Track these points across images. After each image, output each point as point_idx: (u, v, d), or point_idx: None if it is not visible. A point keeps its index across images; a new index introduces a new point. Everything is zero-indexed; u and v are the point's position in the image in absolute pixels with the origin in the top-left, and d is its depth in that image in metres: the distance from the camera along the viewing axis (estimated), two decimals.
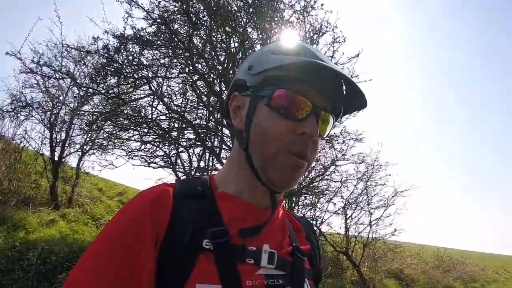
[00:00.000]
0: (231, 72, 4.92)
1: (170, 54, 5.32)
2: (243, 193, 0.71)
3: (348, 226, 7.92)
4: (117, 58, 5.08)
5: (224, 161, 5.42)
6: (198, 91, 5.23)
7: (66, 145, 7.96)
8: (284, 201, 0.84)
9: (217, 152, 5.15)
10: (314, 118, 0.67)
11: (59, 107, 8.05)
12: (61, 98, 8.09)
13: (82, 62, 7.18)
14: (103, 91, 5.43)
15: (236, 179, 0.72)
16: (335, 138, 6.06)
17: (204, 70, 5.15)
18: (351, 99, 0.72)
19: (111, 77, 5.36)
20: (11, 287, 3.60)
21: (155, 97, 5.31)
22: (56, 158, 7.76)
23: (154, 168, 5.95)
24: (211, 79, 5.12)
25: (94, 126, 6.32)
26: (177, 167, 5.70)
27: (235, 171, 0.73)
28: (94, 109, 6.83)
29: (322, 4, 5.25)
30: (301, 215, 0.92)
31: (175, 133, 5.59)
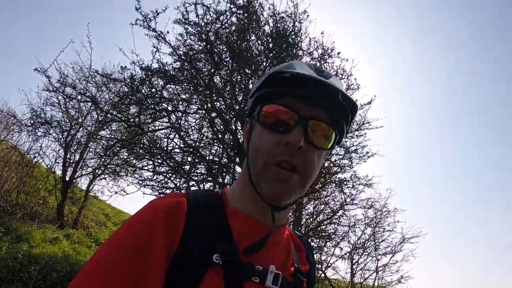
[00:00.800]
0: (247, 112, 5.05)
1: (191, 90, 5.51)
2: (249, 210, 0.72)
3: (354, 272, 7.75)
4: (141, 89, 5.29)
5: None
6: (214, 128, 5.35)
7: (79, 166, 8.11)
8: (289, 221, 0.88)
9: None
10: (301, 127, 0.67)
11: (77, 129, 8.29)
12: (79, 120, 8.34)
13: (105, 88, 7.47)
14: (123, 119, 5.60)
15: (243, 196, 0.74)
16: (345, 183, 6.08)
17: (222, 108, 5.30)
18: (348, 108, 0.72)
19: (133, 107, 5.55)
20: None
21: (173, 130, 5.44)
22: (67, 178, 7.89)
23: None
24: (228, 118, 5.25)
25: (109, 152, 6.45)
26: None
27: (241, 187, 0.75)
28: (111, 135, 7.01)
29: (338, 53, 5.48)
30: (301, 234, 0.92)
31: (187, 167, 5.68)
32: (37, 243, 5.39)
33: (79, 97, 6.78)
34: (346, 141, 5.68)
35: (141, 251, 0.58)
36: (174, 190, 5.80)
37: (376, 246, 7.73)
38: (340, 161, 5.83)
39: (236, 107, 5.14)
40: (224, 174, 5.22)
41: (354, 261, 7.67)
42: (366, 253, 7.71)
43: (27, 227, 5.77)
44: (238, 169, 5.29)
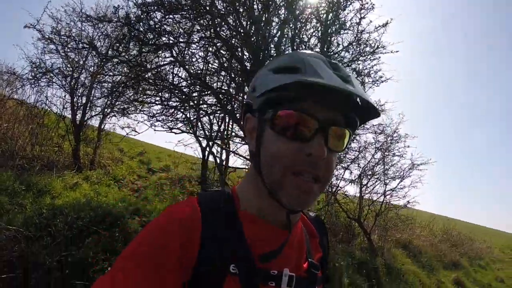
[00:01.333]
0: (253, 38, 4.88)
1: (191, 18, 5.27)
2: (263, 213, 0.72)
3: (363, 195, 8.04)
4: (139, 27, 5.07)
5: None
6: (219, 56, 5.23)
7: (87, 108, 8.12)
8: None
9: (238, 117, 5.22)
10: (322, 136, 0.66)
11: (79, 72, 8.16)
12: (81, 62, 8.19)
13: (102, 27, 7.19)
14: (125, 60, 5.47)
15: (255, 199, 0.73)
16: None
17: (226, 35, 5.13)
18: (364, 108, 0.69)
19: (133, 46, 5.36)
20: (41, 254, 3.73)
21: (177, 63, 5.33)
22: (77, 122, 7.96)
23: (175, 133, 6.07)
24: (233, 44, 5.10)
25: (114, 93, 6.40)
26: (198, 131, 5.81)
27: (253, 190, 0.74)
28: (114, 74, 6.89)
29: None
30: (314, 214, 0.93)
31: (196, 98, 5.66)
32: (58, 193, 5.52)
33: (77, 45, 6.62)
34: (359, 64, 5.50)
35: (156, 265, 0.60)
36: (185, 121, 5.86)
37: (385, 171, 7.93)
38: None
39: (242, 32, 4.96)
40: (233, 102, 5.21)
41: (363, 184, 7.94)
42: (375, 177, 7.94)
43: (47, 179, 5.85)
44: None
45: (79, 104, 8.09)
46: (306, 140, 0.65)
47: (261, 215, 0.72)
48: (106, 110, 8.16)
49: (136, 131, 6.58)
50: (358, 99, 0.67)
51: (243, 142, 5.44)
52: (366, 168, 7.63)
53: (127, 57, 5.36)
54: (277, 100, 0.68)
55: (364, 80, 5.51)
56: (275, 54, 5.14)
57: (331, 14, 5.14)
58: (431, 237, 11.89)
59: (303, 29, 5.31)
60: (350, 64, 5.46)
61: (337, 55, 5.30)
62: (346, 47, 5.27)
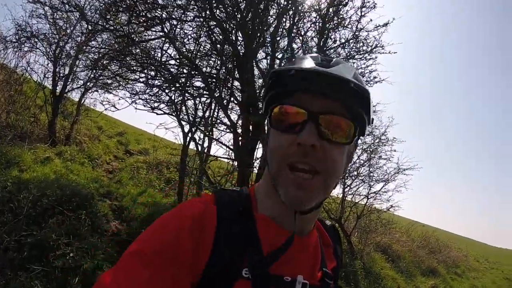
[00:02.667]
0: (249, 23, 4.63)
1: None
2: (277, 217, 0.71)
3: (346, 195, 7.95)
4: None
5: (231, 115, 5.19)
6: (213, 38, 4.94)
7: (69, 80, 7.71)
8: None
9: (225, 104, 4.97)
10: (312, 124, 0.64)
11: (66, 41, 7.72)
12: (68, 31, 7.75)
13: None
14: (112, 28, 5.13)
15: (268, 199, 0.72)
16: None
17: (222, 16, 4.84)
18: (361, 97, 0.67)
19: (122, 14, 5.04)
20: None
21: (167, 40, 5.02)
22: (57, 93, 7.54)
23: (157, 114, 5.79)
24: (228, 27, 4.82)
25: (99, 64, 6.06)
26: (182, 115, 5.54)
27: (266, 190, 0.73)
28: (101, 46, 6.52)
29: None
30: (330, 223, 0.92)
31: (183, 80, 5.37)
32: (27, 166, 5.14)
33: (65, 7, 6.20)
34: (353, 63, 5.35)
35: (166, 264, 0.57)
36: (169, 104, 5.58)
37: (370, 173, 7.85)
38: None
39: (238, 16, 4.69)
40: (221, 88, 4.95)
41: (346, 185, 7.83)
42: (360, 178, 7.85)
43: (17, 150, 5.46)
44: (236, 83, 5.02)
45: (61, 74, 7.64)
46: (298, 131, 0.64)
47: (276, 219, 0.71)
48: (88, 84, 7.75)
49: (115, 107, 6.25)
50: (352, 85, 0.64)
51: (228, 130, 5.20)
52: (350, 169, 7.50)
53: (114, 26, 5.02)
54: (272, 98, 0.70)
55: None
56: (269, 44, 4.92)
57: (331, 9, 4.97)
58: (409, 242, 11.95)
59: (301, 21, 5.11)
60: (345, 61, 5.27)
61: (333, 50, 5.12)
62: (343, 43, 5.13)
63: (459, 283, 11.20)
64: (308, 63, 0.67)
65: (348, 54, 5.18)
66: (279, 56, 4.99)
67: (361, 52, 5.17)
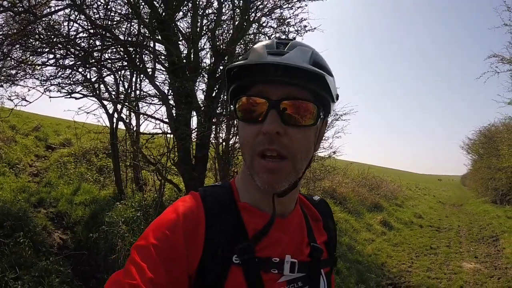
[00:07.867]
0: None
1: None
2: (259, 203, 0.75)
3: None
4: None
5: (159, 84, 4.72)
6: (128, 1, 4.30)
7: None
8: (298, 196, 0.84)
9: (150, 73, 4.48)
10: (275, 111, 0.66)
11: None
12: None
13: None
14: (8, 5, 4.22)
15: (248, 188, 0.76)
16: None
17: None
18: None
19: None
20: None
21: (74, 8, 4.26)
22: None
23: (76, 98, 5.07)
24: None
25: None
26: (102, 94, 4.91)
27: (245, 180, 0.77)
28: None
29: None
30: (319, 198, 0.94)
31: (97, 54, 4.70)
32: None
33: None
34: (282, 12, 5.14)
35: (165, 259, 0.62)
36: (85, 83, 4.90)
37: None
38: (272, 35, 5.33)
39: None
40: (143, 55, 4.42)
41: None
42: None
43: None
44: (161, 47, 4.52)
45: None
46: (262, 120, 0.67)
47: (258, 206, 0.75)
48: None
49: (27, 101, 5.34)
50: (307, 72, 0.65)
51: (156, 103, 4.71)
52: None
53: (10, 1, 4.14)
54: (234, 92, 0.72)
55: (288, 30, 5.15)
56: (191, 2, 4.45)
57: None
58: (352, 183, 12.72)
59: None
60: (272, 11, 5.04)
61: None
62: None
63: (402, 213, 12.23)
64: (262, 52, 0.66)
65: (274, 4, 4.93)
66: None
67: (290, 1, 4.95)
